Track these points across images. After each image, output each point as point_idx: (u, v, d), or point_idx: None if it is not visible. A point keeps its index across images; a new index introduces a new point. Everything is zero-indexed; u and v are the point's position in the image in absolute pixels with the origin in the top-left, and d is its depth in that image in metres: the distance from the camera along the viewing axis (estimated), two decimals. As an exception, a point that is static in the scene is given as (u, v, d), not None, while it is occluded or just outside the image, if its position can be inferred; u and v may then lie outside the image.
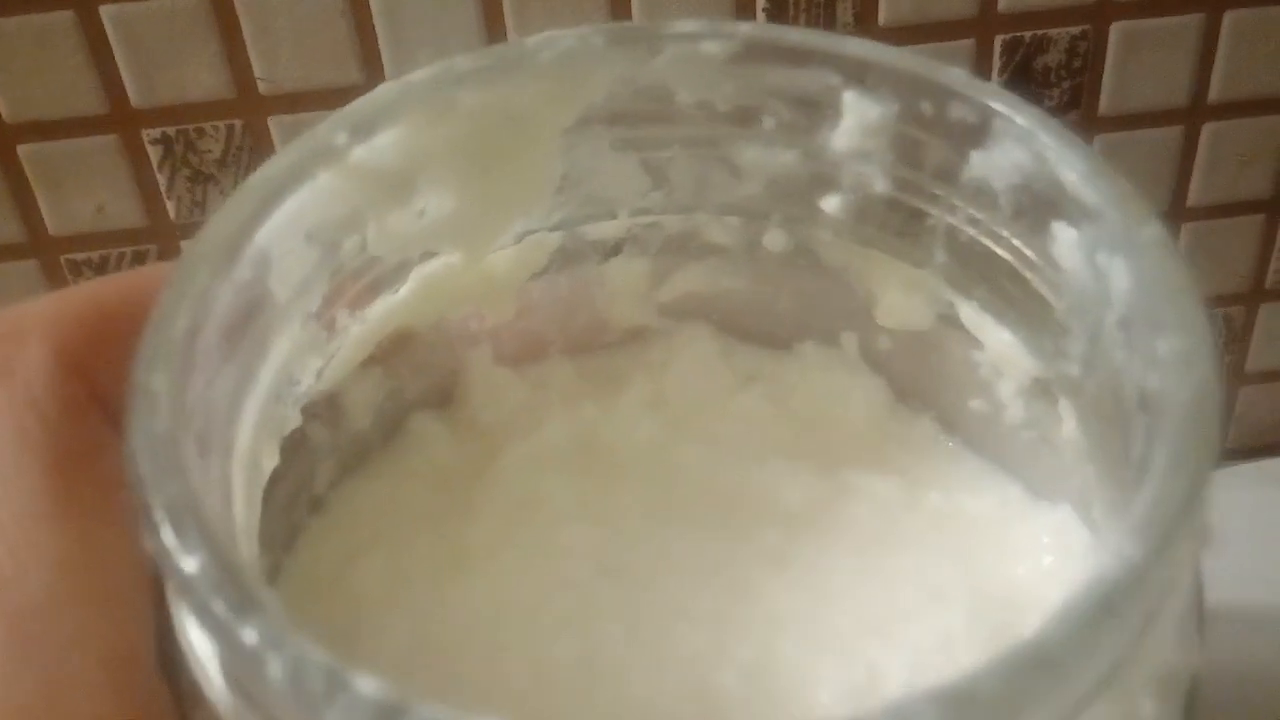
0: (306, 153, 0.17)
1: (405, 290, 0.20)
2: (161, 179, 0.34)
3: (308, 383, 0.19)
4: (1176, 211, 0.37)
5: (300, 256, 0.17)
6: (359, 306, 0.19)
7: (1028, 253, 0.18)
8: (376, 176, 0.18)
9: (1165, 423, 0.13)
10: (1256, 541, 0.36)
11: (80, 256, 0.35)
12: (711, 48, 0.19)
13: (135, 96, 0.32)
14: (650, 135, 0.20)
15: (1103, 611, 0.11)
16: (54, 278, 0.35)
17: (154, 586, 0.15)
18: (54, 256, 0.35)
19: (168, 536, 0.12)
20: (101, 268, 0.35)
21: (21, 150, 0.33)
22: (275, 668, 0.11)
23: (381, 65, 0.32)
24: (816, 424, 0.23)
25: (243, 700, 0.13)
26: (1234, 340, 0.40)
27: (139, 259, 0.35)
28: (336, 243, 0.18)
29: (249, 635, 0.12)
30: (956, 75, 0.18)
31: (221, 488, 0.15)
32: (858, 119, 0.19)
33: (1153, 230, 0.15)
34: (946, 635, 0.19)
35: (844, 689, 0.19)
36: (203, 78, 0.32)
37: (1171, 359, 0.14)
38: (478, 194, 0.20)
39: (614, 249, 0.22)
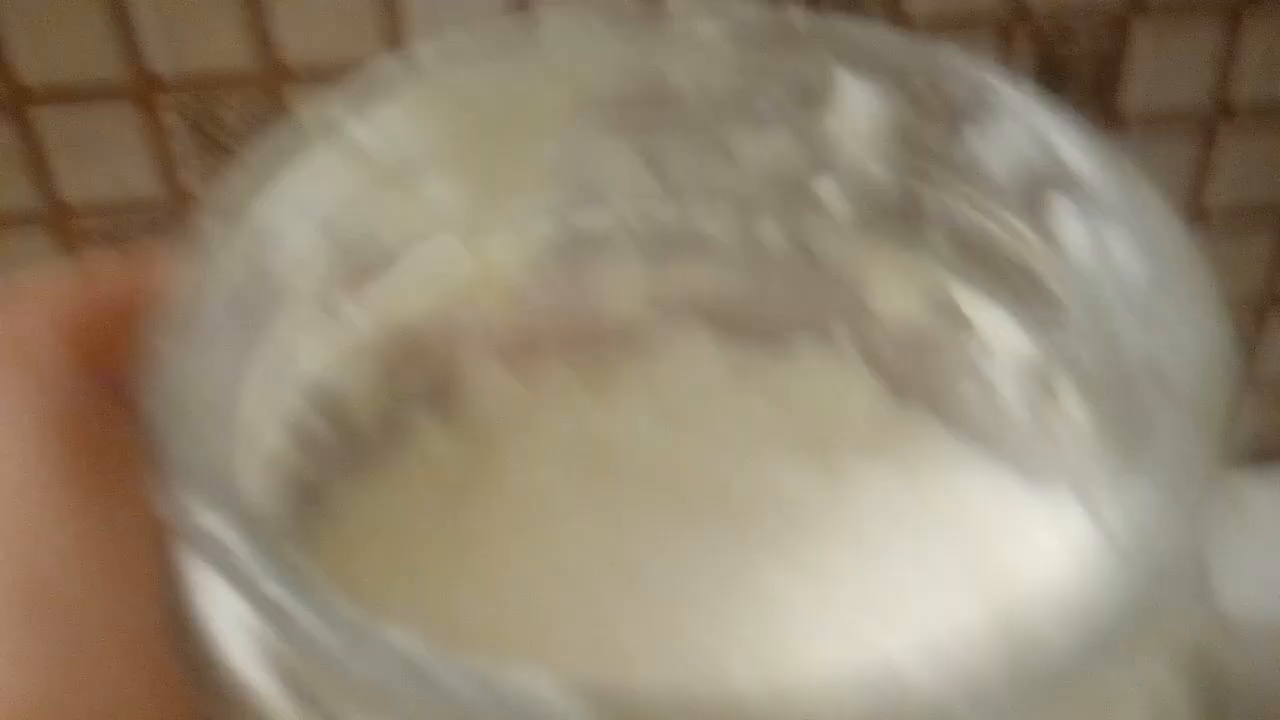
0: (309, 129, 0.17)
1: (404, 277, 0.20)
2: (179, 148, 0.33)
3: (308, 367, 0.18)
4: (1194, 212, 0.37)
5: (301, 235, 0.17)
6: (358, 291, 0.19)
7: (1026, 232, 0.18)
8: (377, 157, 0.18)
9: (1176, 393, 0.13)
10: (1268, 550, 0.36)
11: (94, 225, 0.34)
12: (709, 30, 0.19)
13: (155, 63, 0.31)
14: (648, 120, 0.20)
15: (1128, 609, 0.11)
16: (68, 246, 0.34)
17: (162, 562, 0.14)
18: (68, 224, 0.34)
19: (187, 494, 0.12)
20: (116, 238, 0.34)
21: (37, 114, 0.32)
22: (303, 620, 0.11)
23: (409, 40, 0.32)
24: (813, 418, 0.23)
25: (272, 666, 0.12)
26: (1245, 347, 0.40)
27: (155, 229, 0.34)
28: (335, 223, 0.18)
29: (275, 590, 0.11)
30: (952, 55, 0.18)
31: (229, 457, 0.14)
32: (854, 102, 0.19)
33: (1155, 201, 0.16)
34: (948, 618, 0.19)
35: (850, 669, 0.19)
36: (225, 46, 0.31)
37: (1179, 328, 0.14)
38: (475, 180, 0.20)
39: (609, 242, 0.22)
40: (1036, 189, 0.18)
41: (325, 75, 0.20)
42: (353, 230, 0.18)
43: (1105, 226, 0.17)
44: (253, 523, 0.12)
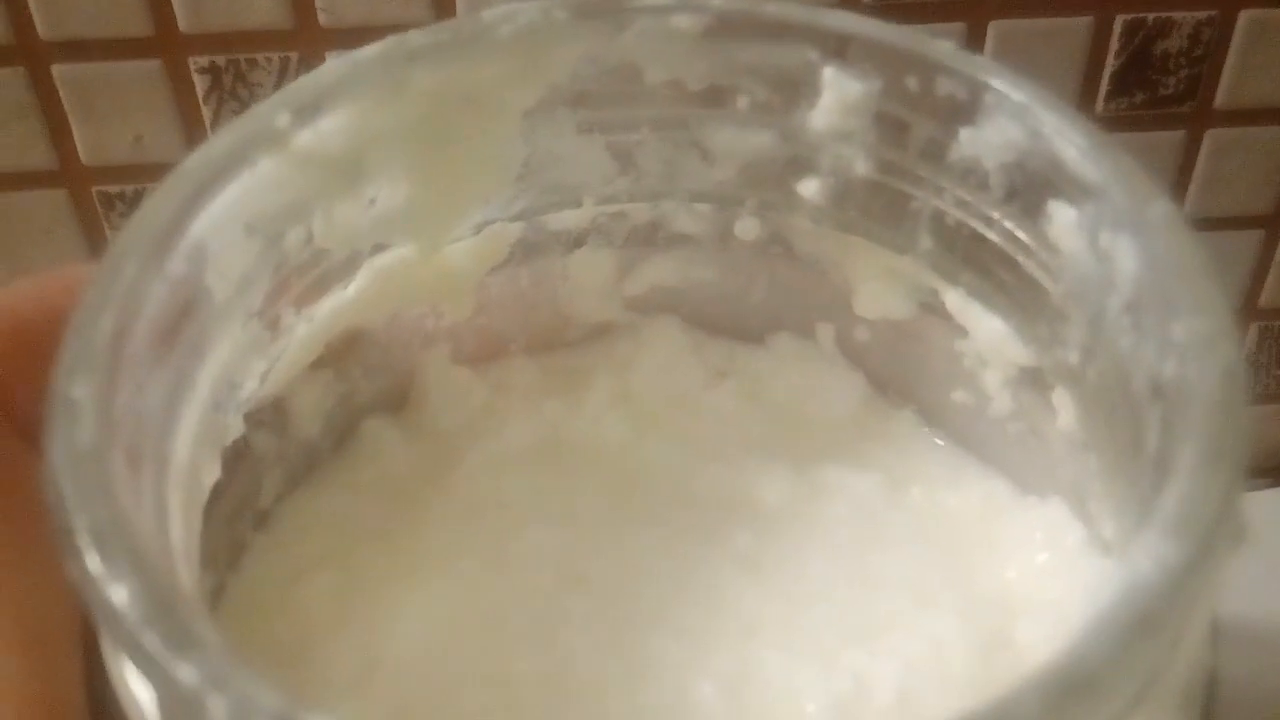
0: (246, 136, 0.16)
1: (355, 286, 0.19)
2: (207, 111, 0.31)
3: (250, 387, 0.17)
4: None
5: (240, 250, 0.16)
6: (305, 304, 0.18)
7: (1021, 235, 0.17)
8: (323, 162, 0.17)
9: (1190, 412, 0.12)
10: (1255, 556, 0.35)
11: (114, 189, 0.32)
12: (683, 22, 0.18)
13: (184, 19, 0.30)
14: (617, 117, 0.19)
15: (1145, 624, 0.10)
16: (84, 210, 0.33)
17: (84, 626, 0.13)
18: (85, 188, 0.32)
19: (93, 563, 0.11)
20: (136, 203, 0.32)
21: (56, 70, 0.30)
22: (218, 710, 0.10)
23: (454, 2, 0.30)
24: (791, 420, 0.22)
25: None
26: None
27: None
28: (279, 235, 0.17)
29: (186, 674, 0.10)
30: (944, 48, 0.17)
31: (156, 507, 0.13)
32: (838, 96, 0.18)
33: (1162, 207, 0.14)
34: (937, 642, 0.18)
35: (830, 700, 0.18)
36: (259, 4, 0.30)
37: (1190, 343, 0.13)
38: (433, 181, 0.18)
39: (578, 240, 0.21)
40: (1033, 191, 0.17)
41: (365, 38, 0.18)
42: (300, 242, 0.17)
43: (1106, 232, 0.16)
44: (163, 597, 0.11)
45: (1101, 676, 0.10)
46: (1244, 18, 0.33)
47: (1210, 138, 0.35)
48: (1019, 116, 0.16)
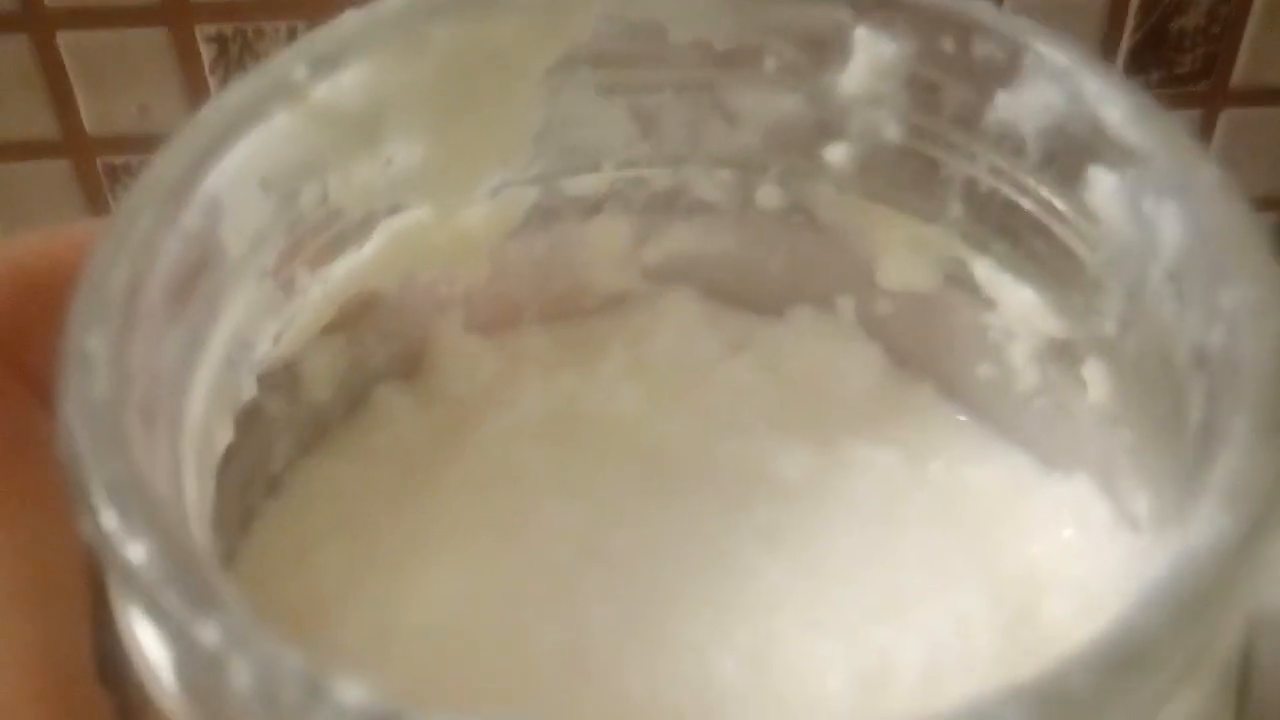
0: (263, 88, 0.15)
1: (370, 248, 0.18)
2: (213, 82, 0.31)
3: (264, 348, 0.17)
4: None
5: (254, 206, 0.16)
6: (319, 264, 0.18)
7: (1057, 203, 0.17)
8: (340, 118, 0.16)
9: (1240, 383, 0.12)
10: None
11: (119, 160, 0.32)
12: None
13: None
14: (640, 78, 0.19)
15: (1200, 597, 0.10)
16: (89, 180, 0.32)
17: (93, 580, 0.13)
18: (89, 158, 0.32)
19: (109, 520, 0.11)
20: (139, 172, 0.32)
21: (61, 38, 0.30)
22: (241, 673, 0.10)
23: None
24: (810, 393, 0.22)
25: (203, 712, 0.11)
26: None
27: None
28: (295, 192, 0.16)
29: (208, 634, 0.10)
30: (983, 8, 0.16)
31: (170, 465, 0.13)
32: (869, 58, 0.17)
33: (1209, 173, 0.14)
34: (963, 619, 0.18)
35: (854, 676, 0.18)
36: None
37: (1240, 310, 0.13)
38: (450, 141, 0.18)
39: (595, 206, 0.21)
40: (1072, 157, 0.16)
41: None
42: (315, 200, 0.17)
43: (1150, 198, 0.15)
44: (182, 555, 0.10)
45: (1155, 650, 0.10)
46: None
47: (1226, 117, 0.34)
48: (1060, 79, 0.16)
